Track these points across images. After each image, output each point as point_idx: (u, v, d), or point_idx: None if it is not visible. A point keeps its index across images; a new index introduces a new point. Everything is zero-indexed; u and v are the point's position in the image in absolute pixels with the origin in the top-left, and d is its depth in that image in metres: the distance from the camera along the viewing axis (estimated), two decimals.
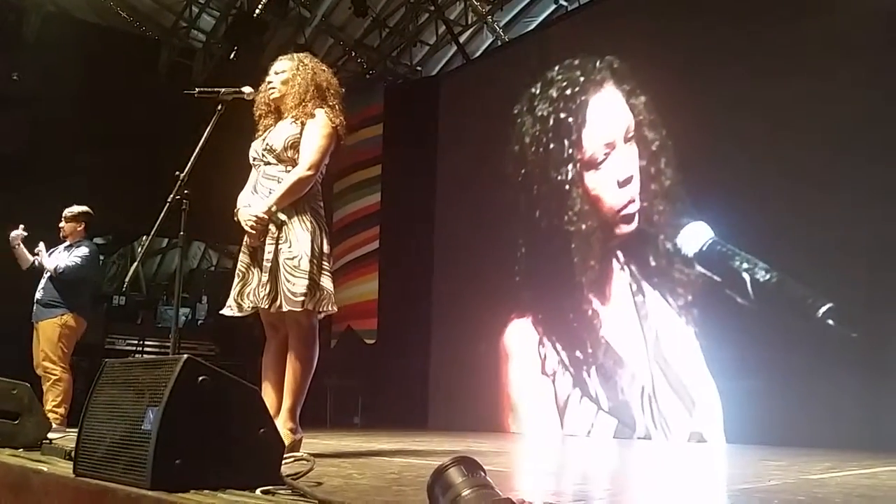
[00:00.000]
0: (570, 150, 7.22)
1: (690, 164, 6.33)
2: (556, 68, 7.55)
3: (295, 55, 3.46)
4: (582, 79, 7.28)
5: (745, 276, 5.72)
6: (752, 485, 2.77)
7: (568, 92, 7.36)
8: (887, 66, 5.24)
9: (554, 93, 7.51)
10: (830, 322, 5.23)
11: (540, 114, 7.62)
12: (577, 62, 7.37)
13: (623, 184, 6.71)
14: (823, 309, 5.27)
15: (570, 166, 7.18)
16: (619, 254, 6.73)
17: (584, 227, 6.99)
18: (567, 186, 7.19)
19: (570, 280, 7.02)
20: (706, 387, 5.89)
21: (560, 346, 7.13)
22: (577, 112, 7.23)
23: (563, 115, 7.35)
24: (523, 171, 7.71)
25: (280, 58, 3.46)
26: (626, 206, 6.69)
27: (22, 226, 5.34)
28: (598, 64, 7.13)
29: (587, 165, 7.04)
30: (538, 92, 7.70)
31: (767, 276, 5.62)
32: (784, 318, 5.47)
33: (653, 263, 6.42)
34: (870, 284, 5.18)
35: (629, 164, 6.72)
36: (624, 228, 6.70)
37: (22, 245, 5.32)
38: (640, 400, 6.35)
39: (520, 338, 7.57)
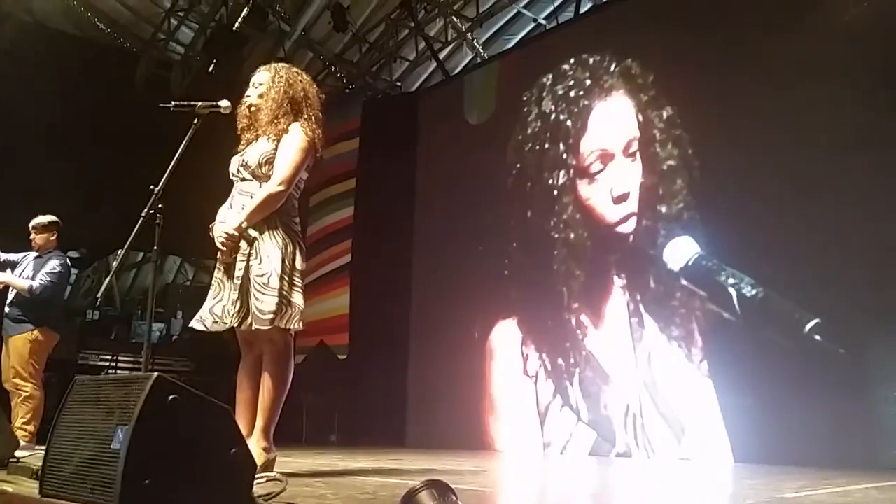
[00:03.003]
0: (566, 155, 7.04)
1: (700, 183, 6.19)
2: (565, 67, 7.34)
3: (273, 66, 3.38)
4: (589, 82, 7.06)
5: (732, 291, 5.71)
6: None
7: (573, 93, 7.15)
8: (882, 79, 5.24)
9: (559, 92, 7.29)
10: (818, 338, 5.23)
11: (543, 112, 7.42)
12: (587, 63, 7.13)
13: (618, 200, 6.59)
14: (810, 325, 5.26)
15: (563, 171, 7.04)
16: (619, 272, 6.57)
17: (572, 235, 6.86)
18: (556, 192, 7.06)
19: (553, 287, 6.93)
20: (700, 414, 5.80)
21: (541, 351, 7.07)
22: (579, 116, 7.03)
23: (563, 118, 7.16)
24: (516, 168, 7.59)
25: (260, 69, 3.40)
26: (621, 223, 6.54)
27: None
28: (611, 68, 6.90)
29: (581, 173, 6.90)
30: (541, 92, 7.51)
31: (754, 292, 5.62)
32: (771, 333, 5.45)
33: (653, 286, 6.27)
34: (857, 300, 5.18)
35: (628, 180, 6.59)
36: (619, 245, 6.56)
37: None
38: (624, 418, 6.28)
39: (504, 340, 7.52)
